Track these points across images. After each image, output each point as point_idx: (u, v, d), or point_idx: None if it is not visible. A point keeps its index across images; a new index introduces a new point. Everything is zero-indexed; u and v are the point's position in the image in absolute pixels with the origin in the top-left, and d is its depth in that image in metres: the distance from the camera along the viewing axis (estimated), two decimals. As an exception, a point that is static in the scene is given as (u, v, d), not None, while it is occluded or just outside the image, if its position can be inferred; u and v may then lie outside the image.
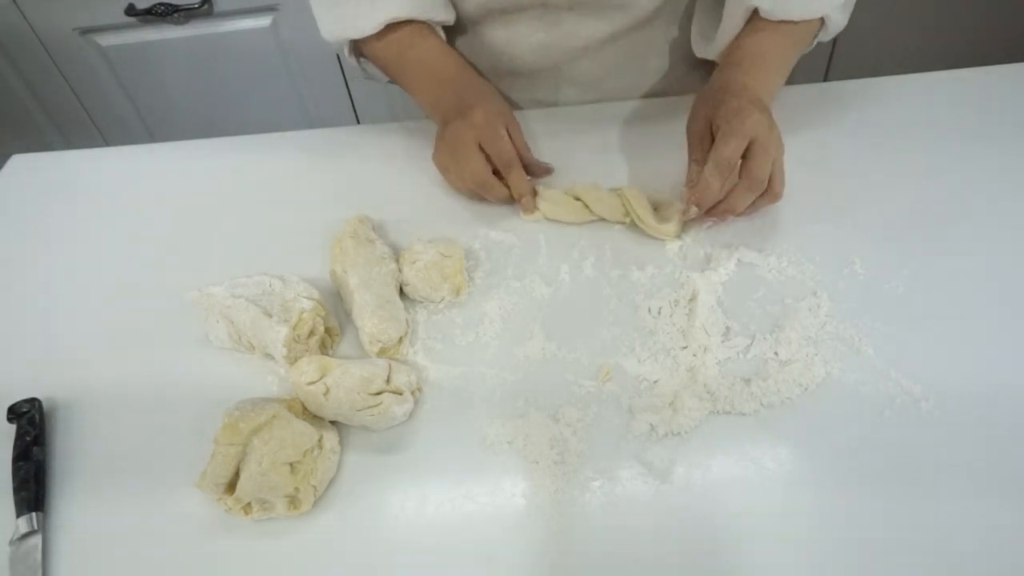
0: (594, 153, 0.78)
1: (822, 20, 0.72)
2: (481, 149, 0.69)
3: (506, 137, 0.69)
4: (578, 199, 0.71)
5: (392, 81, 0.81)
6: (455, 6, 0.78)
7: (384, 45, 0.75)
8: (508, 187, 0.70)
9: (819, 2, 0.69)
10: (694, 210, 0.64)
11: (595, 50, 0.80)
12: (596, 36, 0.79)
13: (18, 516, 0.54)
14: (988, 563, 0.47)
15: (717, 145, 0.61)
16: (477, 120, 0.69)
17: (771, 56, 0.71)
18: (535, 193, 0.71)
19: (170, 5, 1.34)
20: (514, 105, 0.88)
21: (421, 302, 0.66)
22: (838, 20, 0.72)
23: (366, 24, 0.73)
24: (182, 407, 0.60)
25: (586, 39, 0.79)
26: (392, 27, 0.74)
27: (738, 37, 0.72)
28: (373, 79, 0.84)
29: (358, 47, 0.78)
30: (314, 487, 0.53)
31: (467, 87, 0.74)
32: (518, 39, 0.80)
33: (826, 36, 0.75)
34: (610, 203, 0.70)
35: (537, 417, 0.57)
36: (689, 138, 0.67)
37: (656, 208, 0.69)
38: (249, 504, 0.53)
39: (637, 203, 0.68)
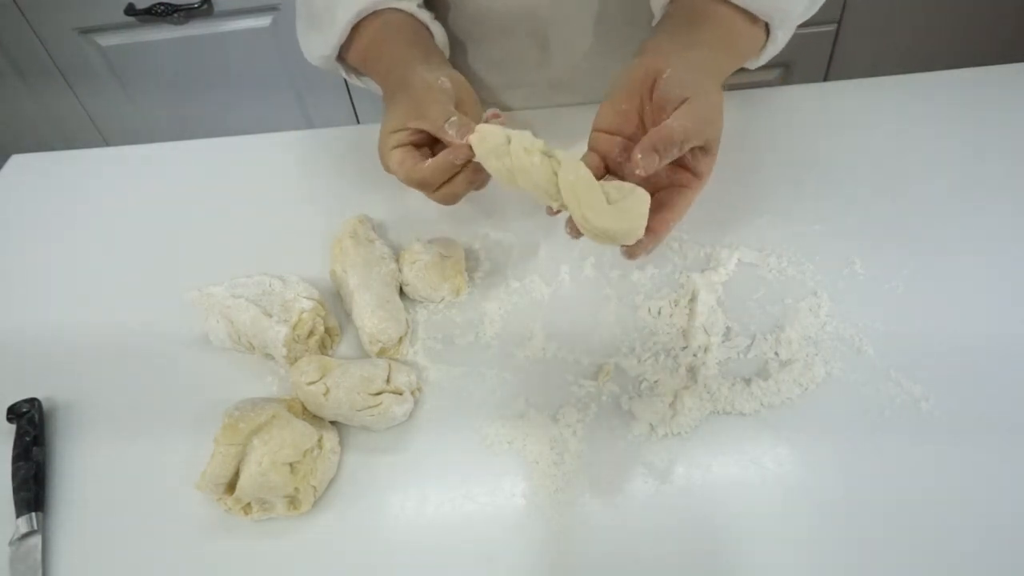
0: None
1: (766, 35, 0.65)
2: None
3: (400, 159, 0.58)
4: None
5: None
6: (451, 24, 0.76)
7: (355, 50, 0.70)
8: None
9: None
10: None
11: (591, 59, 0.80)
12: (590, 46, 0.78)
13: (18, 516, 0.54)
14: (988, 563, 0.47)
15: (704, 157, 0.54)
16: (380, 144, 0.61)
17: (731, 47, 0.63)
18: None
19: (170, 5, 1.34)
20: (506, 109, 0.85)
21: (421, 302, 0.66)
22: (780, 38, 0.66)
23: (332, 35, 0.68)
24: (182, 407, 0.60)
25: (581, 50, 0.78)
26: (360, 31, 0.68)
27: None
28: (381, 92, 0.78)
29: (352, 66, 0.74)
30: (314, 487, 0.53)
31: (391, 93, 0.64)
32: (513, 55, 0.79)
33: (761, 59, 0.68)
34: (539, 175, 0.52)
35: (537, 417, 0.57)
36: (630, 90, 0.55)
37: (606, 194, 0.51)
38: (249, 504, 0.53)
39: (579, 182, 0.50)
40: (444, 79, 0.61)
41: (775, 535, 0.50)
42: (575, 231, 0.53)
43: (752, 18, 0.62)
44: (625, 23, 0.76)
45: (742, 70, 0.68)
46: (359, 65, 0.71)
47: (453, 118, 0.57)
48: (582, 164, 0.52)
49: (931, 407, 0.54)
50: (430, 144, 0.60)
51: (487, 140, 0.54)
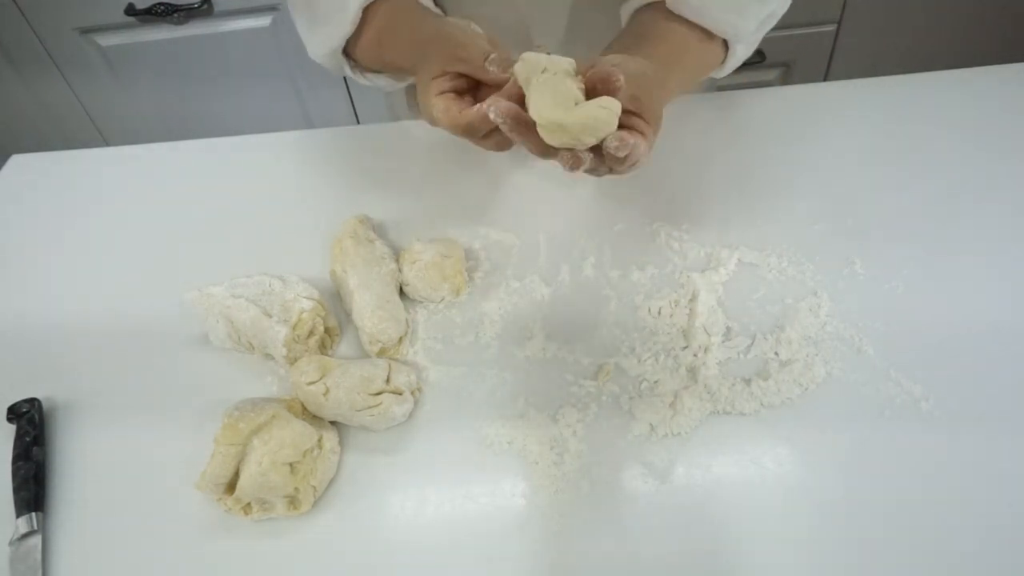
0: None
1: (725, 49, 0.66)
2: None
3: (445, 107, 0.55)
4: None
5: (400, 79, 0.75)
6: None
7: (367, 36, 0.66)
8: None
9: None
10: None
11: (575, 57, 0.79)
12: (573, 45, 0.77)
13: (18, 516, 0.54)
14: (988, 563, 0.47)
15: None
16: (420, 99, 0.58)
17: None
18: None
19: (170, 5, 1.34)
20: None
21: (421, 302, 0.66)
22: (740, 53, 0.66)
23: (343, 22, 0.65)
24: (182, 407, 0.60)
25: (564, 49, 0.78)
26: (371, 16, 0.66)
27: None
28: (388, 88, 0.77)
29: (358, 61, 0.72)
30: (314, 487, 0.53)
31: (414, 51, 0.62)
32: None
33: (724, 70, 0.69)
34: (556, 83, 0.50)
35: (537, 417, 0.57)
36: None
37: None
38: (249, 504, 0.53)
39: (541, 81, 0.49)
40: (474, 24, 0.59)
41: (775, 535, 0.50)
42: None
43: (708, 34, 0.62)
44: (605, 27, 0.77)
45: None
46: (372, 51, 0.69)
47: (492, 55, 0.54)
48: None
49: (931, 407, 0.54)
50: (472, 91, 0.58)
51: (528, 65, 0.51)
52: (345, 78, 1.43)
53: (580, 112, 0.48)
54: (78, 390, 0.63)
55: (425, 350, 0.63)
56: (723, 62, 0.67)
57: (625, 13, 0.68)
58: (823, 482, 0.52)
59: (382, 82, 0.73)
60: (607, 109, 0.48)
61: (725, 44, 0.65)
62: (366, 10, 0.66)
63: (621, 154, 0.49)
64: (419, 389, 0.59)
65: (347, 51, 0.70)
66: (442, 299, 0.65)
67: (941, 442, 0.53)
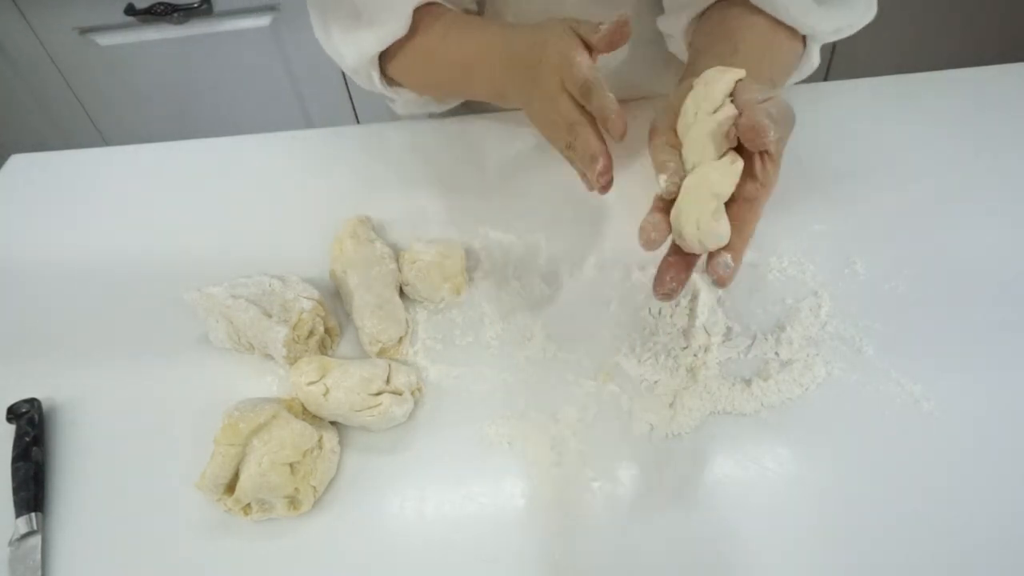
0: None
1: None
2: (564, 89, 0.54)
3: (583, 61, 0.52)
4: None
5: (433, 96, 0.76)
6: None
7: (423, 38, 0.67)
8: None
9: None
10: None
11: (620, 73, 0.78)
12: (619, 63, 0.78)
13: (18, 516, 0.54)
14: (988, 563, 0.47)
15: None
16: (551, 56, 0.54)
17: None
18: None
19: (170, 5, 1.34)
20: None
21: (421, 302, 0.66)
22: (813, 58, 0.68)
23: (392, 24, 0.65)
24: (182, 407, 0.60)
25: (611, 66, 0.77)
26: (423, 20, 0.67)
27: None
28: (410, 109, 0.78)
29: (388, 72, 0.72)
30: (314, 487, 0.53)
31: (525, 31, 0.59)
32: None
33: (799, 75, 0.70)
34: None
35: (537, 418, 0.57)
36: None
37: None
38: (249, 504, 0.53)
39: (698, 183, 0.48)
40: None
41: (775, 535, 0.50)
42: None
43: (788, 32, 0.63)
44: (650, 40, 0.76)
45: None
46: (427, 53, 0.67)
47: (603, 24, 0.52)
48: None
49: (931, 407, 0.54)
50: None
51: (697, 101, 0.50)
52: (345, 79, 1.44)
53: (701, 229, 0.47)
54: (78, 390, 0.63)
55: (425, 350, 0.62)
56: (799, 66, 0.68)
57: (679, 25, 0.68)
58: (823, 482, 0.52)
59: (406, 95, 0.73)
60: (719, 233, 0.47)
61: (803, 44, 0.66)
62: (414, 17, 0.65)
63: (719, 274, 0.48)
64: (419, 389, 0.59)
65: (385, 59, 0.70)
66: (442, 299, 0.65)
67: (941, 442, 0.53)
